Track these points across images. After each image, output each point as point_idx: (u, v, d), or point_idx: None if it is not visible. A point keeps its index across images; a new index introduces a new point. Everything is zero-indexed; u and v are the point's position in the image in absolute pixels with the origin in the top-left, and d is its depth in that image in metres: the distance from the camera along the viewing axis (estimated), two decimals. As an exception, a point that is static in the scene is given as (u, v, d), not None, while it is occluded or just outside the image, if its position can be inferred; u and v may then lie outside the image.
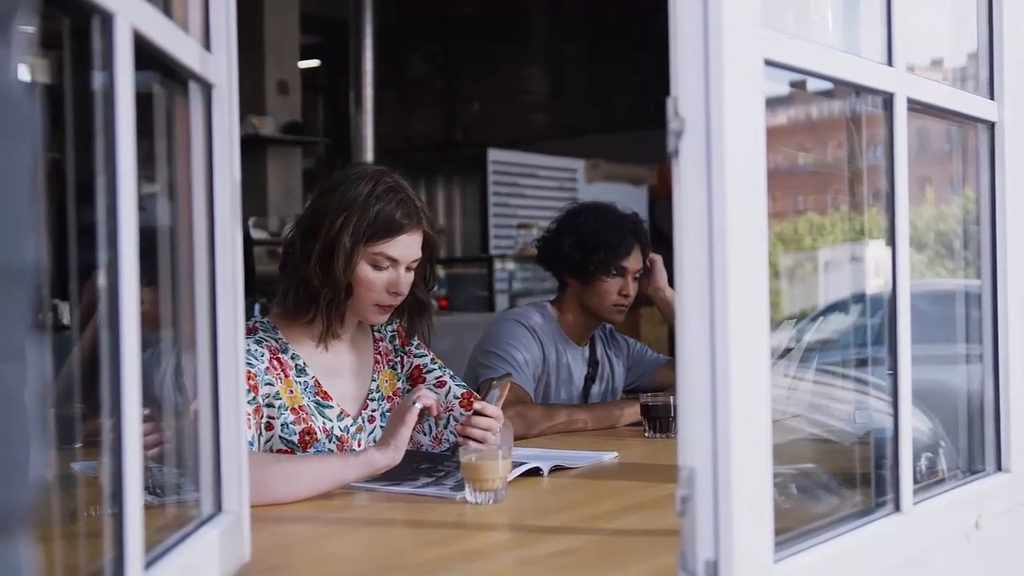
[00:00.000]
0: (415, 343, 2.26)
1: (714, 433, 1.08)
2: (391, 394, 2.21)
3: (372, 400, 2.17)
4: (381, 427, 2.15)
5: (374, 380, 2.18)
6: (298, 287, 2.04)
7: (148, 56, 1.05)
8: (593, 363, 2.98)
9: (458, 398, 2.21)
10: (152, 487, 1.21)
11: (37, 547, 0.56)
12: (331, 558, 1.47)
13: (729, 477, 1.07)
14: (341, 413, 2.09)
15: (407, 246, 2.04)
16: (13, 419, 0.51)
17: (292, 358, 2.07)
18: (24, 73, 0.56)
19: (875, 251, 1.73)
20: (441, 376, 2.23)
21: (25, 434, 0.52)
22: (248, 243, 5.53)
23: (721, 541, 1.08)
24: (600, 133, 8.65)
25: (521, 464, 1.96)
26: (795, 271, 1.61)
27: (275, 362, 2.03)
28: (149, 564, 1.02)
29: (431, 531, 1.61)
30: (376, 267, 2.03)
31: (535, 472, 1.99)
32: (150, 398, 1.06)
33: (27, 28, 0.57)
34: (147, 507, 0.99)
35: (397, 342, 2.25)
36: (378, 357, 2.21)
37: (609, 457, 2.21)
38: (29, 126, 0.54)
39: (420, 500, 1.80)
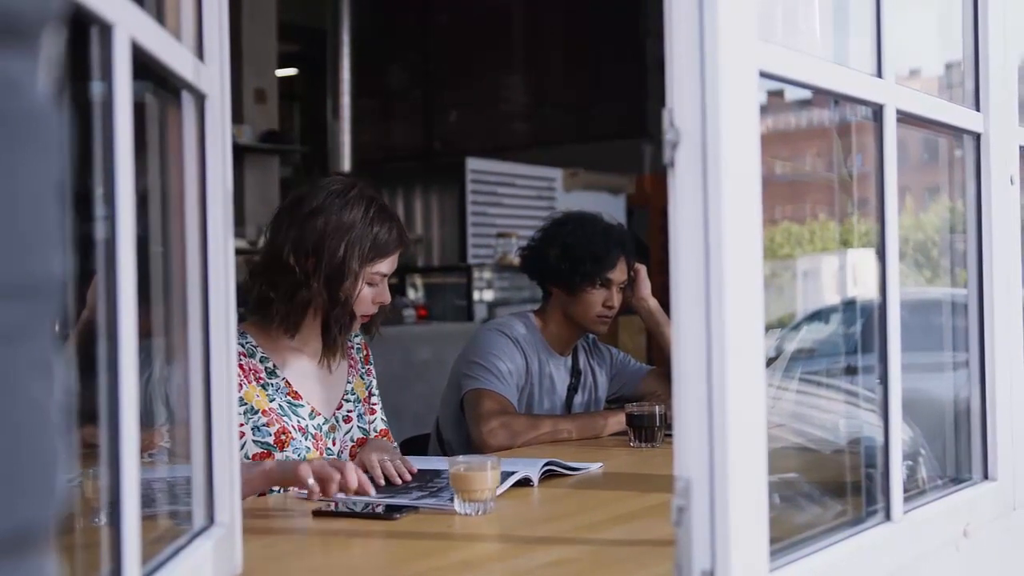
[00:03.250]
0: (371, 363, 2.38)
1: (711, 444, 1.08)
2: (362, 399, 2.30)
3: (348, 400, 2.26)
4: (358, 427, 2.25)
5: (349, 382, 2.27)
6: (299, 308, 2.10)
7: (142, 65, 1.04)
8: (576, 373, 2.98)
9: (377, 431, 2.33)
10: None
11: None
12: (322, 570, 1.46)
13: (726, 487, 1.07)
14: (312, 412, 2.15)
15: (395, 261, 2.19)
16: (42, 433, 0.51)
17: (261, 361, 2.13)
18: (49, 87, 0.55)
19: (854, 260, 1.74)
20: (375, 405, 2.36)
21: (53, 448, 0.52)
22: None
23: (717, 551, 1.08)
24: (579, 142, 8.66)
25: (512, 474, 1.95)
26: (773, 280, 1.61)
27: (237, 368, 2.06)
28: (145, 577, 1.01)
29: (422, 542, 1.60)
30: (371, 284, 2.15)
31: (524, 483, 1.98)
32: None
33: (53, 43, 0.57)
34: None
35: (361, 356, 2.35)
36: (351, 362, 2.30)
37: (595, 468, 2.21)
38: (56, 140, 0.54)
39: (410, 511, 1.79)
